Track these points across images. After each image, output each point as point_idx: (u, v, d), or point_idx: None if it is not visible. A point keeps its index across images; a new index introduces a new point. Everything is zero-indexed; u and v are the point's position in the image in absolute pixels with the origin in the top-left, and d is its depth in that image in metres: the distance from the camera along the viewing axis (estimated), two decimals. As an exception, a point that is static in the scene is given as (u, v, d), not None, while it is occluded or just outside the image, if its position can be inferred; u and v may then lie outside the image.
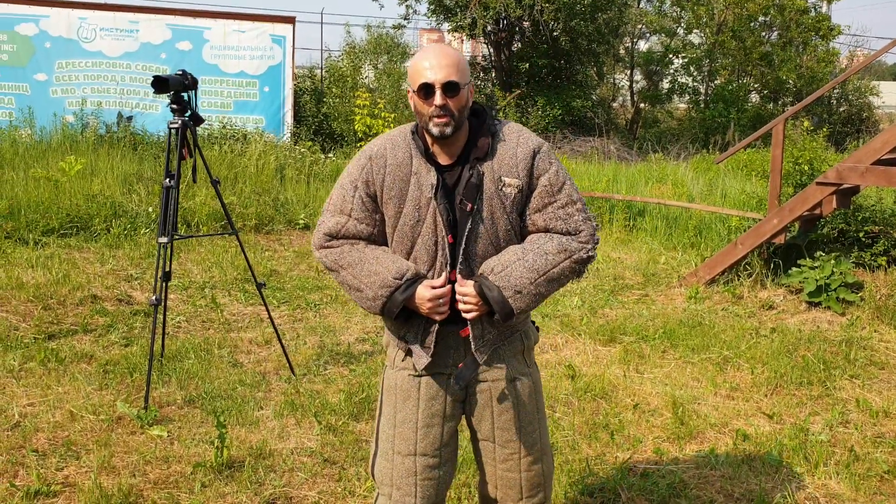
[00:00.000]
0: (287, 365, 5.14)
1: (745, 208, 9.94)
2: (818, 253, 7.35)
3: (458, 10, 18.31)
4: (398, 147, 2.42)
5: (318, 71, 19.06)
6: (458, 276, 2.36)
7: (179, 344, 5.53)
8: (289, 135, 14.13)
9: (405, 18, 20.01)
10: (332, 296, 7.08)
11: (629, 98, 26.85)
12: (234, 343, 5.69)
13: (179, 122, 4.62)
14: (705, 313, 6.90)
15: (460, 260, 2.36)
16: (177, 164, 4.65)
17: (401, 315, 2.39)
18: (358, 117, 14.16)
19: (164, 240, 4.56)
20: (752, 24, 24.52)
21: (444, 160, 2.40)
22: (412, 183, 2.38)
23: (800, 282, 7.18)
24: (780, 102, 26.40)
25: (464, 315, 2.38)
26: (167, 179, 4.61)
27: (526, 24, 18.47)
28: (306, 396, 4.67)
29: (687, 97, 25.96)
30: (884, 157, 6.83)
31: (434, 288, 2.35)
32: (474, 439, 2.60)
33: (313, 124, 15.07)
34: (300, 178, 11.61)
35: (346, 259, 2.41)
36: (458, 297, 2.37)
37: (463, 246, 2.35)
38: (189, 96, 4.72)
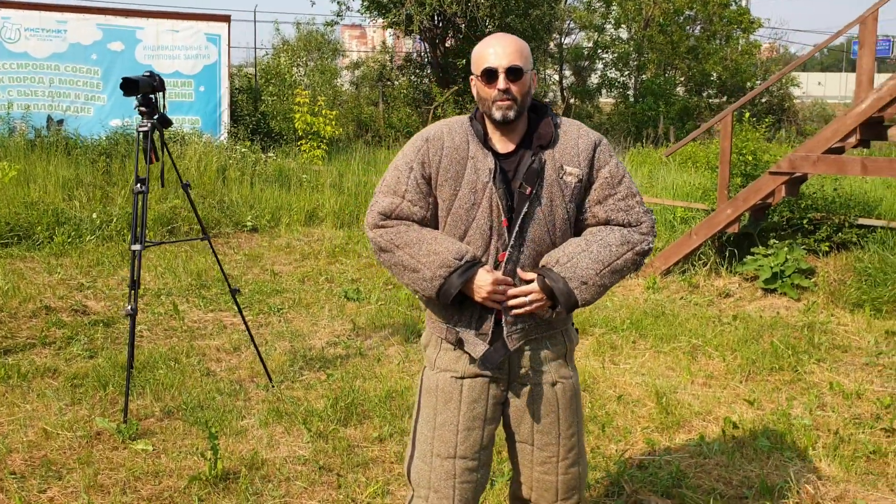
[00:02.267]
0: (262, 372, 5.01)
1: (690, 199, 10.15)
2: (771, 241, 7.56)
3: (392, 6, 18.21)
4: (455, 132, 2.40)
5: (248, 69, 18.73)
6: (519, 271, 2.34)
7: (146, 354, 5.34)
8: (226, 135, 13.83)
9: (338, 15, 19.81)
10: (294, 299, 6.95)
11: (559, 94, 27.20)
12: (202, 351, 5.53)
13: (149, 124, 4.45)
14: (666, 303, 7.02)
15: (511, 243, 2.33)
16: (146, 168, 4.48)
17: (454, 300, 2.34)
18: (298, 115, 13.98)
19: (137, 247, 4.39)
20: (678, 19, 25.10)
21: (502, 148, 2.39)
22: (469, 167, 2.36)
23: (755, 269, 7.37)
24: (704, 95, 27.11)
25: (526, 311, 2.35)
26: (138, 184, 4.44)
27: (460, 20, 18.49)
28: (289, 403, 4.57)
29: (615, 92, 26.42)
30: (833, 146, 7.06)
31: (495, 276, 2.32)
32: (510, 441, 2.57)
33: (250, 123, 14.79)
34: (243, 179, 11.37)
35: (402, 238, 2.36)
36: (516, 299, 2.34)
37: (517, 229, 2.33)
38: (156, 98, 4.55)
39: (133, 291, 4.37)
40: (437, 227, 2.43)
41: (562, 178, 2.36)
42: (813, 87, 42.32)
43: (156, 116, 4.52)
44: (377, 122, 19.55)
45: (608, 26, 26.07)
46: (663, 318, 6.42)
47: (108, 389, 4.69)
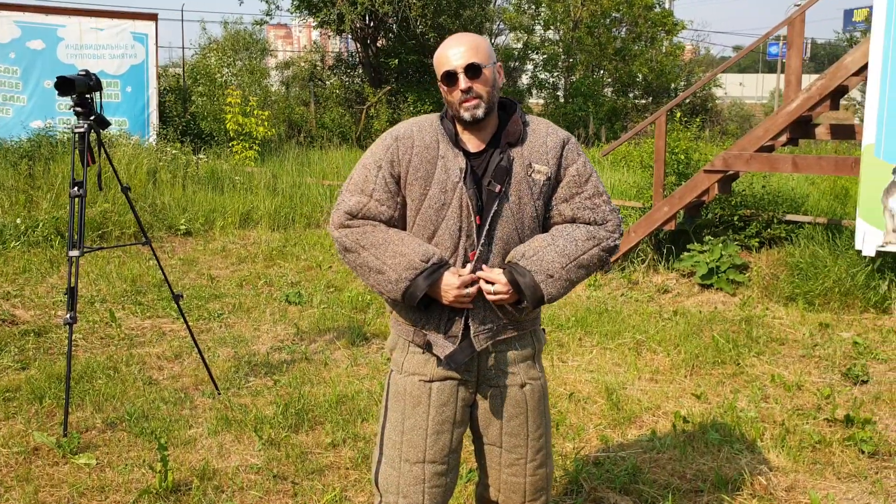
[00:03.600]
0: (207, 379, 4.88)
1: (625, 198, 10.32)
2: (707, 237, 7.73)
3: (322, 5, 18.02)
4: (425, 130, 2.37)
5: (173, 69, 18.32)
6: (484, 266, 2.32)
7: (84, 364, 5.15)
8: (155, 136, 13.47)
9: (267, 14, 19.51)
10: (234, 304, 6.80)
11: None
12: (142, 359, 5.36)
13: (85, 125, 4.28)
14: (608, 300, 7.11)
15: (482, 242, 2.31)
16: (83, 170, 4.32)
17: (420, 302, 2.31)
18: (229, 115, 13.72)
19: (75, 253, 4.22)
20: (605, 21, 25.52)
21: (472, 147, 2.37)
22: (439, 166, 2.33)
23: (691, 265, 7.52)
24: (631, 95, 27.63)
25: (490, 300, 2.33)
26: (75, 188, 4.27)
27: (391, 20, 18.41)
28: (238, 411, 4.45)
29: (545, 93, 26.72)
30: (764, 144, 7.25)
31: (461, 276, 2.29)
32: (478, 443, 2.54)
33: (180, 125, 14.44)
34: (175, 182, 11.09)
35: (368, 239, 2.32)
36: (484, 284, 2.32)
37: (487, 227, 2.31)
38: (93, 98, 4.39)
39: (72, 299, 4.19)
40: (404, 228, 2.40)
41: (530, 175, 2.35)
42: (733, 87, 43.65)
43: (92, 117, 4.36)
44: (308, 122, 19.33)
45: (537, 28, 26.36)
46: (607, 314, 6.50)
47: (44, 402, 4.50)
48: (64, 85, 4.17)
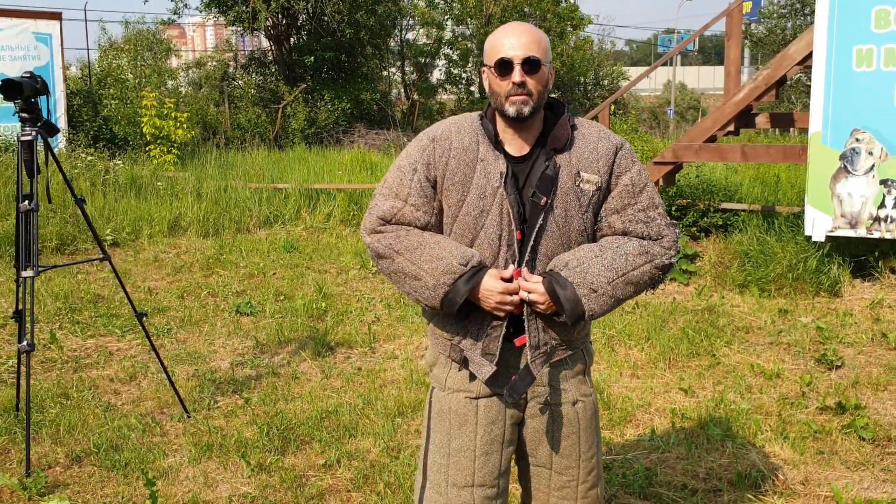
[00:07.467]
0: (171, 401, 4.55)
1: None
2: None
3: (234, 2, 17.45)
4: (464, 131, 2.19)
5: (73, 71, 17.43)
6: (524, 271, 2.14)
7: (31, 392, 4.71)
8: (64, 142, 12.74)
9: (175, 13, 18.77)
10: (181, 318, 6.41)
11: (403, 90, 27.15)
12: (94, 383, 4.97)
13: (32, 132, 3.90)
14: (565, 296, 7.04)
15: (527, 258, 2.13)
16: (31, 182, 3.93)
17: (461, 310, 2.13)
18: (146, 118, 13.11)
19: (29, 273, 3.84)
20: (516, 15, 25.67)
21: (513, 150, 2.18)
22: (478, 170, 2.15)
23: (645, 258, 7.53)
24: (543, 89, 27.89)
25: (535, 309, 2.14)
26: (24, 202, 3.88)
27: (303, 16, 17.97)
28: (215, 434, 4.15)
29: (460, 88, 26.71)
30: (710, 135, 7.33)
31: (504, 280, 2.11)
32: (523, 464, 2.37)
33: (91, 129, 13.70)
34: (95, 190, 10.48)
35: (402, 244, 2.14)
36: (522, 292, 2.13)
37: (532, 243, 2.13)
38: (38, 102, 4.00)
39: (30, 324, 3.81)
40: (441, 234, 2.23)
41: (578, 185, 2.16)
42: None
43: (39, 123, 3.98)
44: (224, 123, 18.71)
45: (449, 23, 26.31)
46: (570, 311, 6.41)
47: (-2, 438, 4.09)
48: (9, 88, 3.78)
